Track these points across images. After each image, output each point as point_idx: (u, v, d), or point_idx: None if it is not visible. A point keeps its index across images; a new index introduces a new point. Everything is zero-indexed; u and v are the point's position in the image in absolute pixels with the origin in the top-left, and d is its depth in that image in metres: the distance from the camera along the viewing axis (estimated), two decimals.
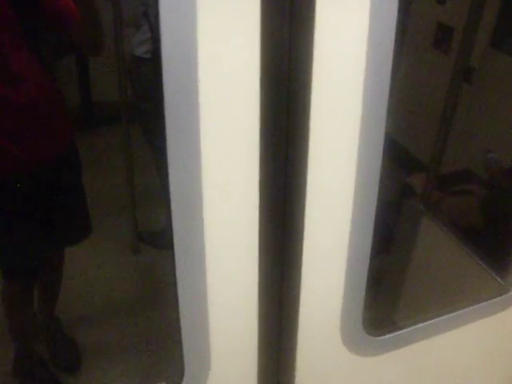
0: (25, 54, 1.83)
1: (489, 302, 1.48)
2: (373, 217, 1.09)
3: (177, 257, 1.00)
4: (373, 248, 1.17)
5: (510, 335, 1.60)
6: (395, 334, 1.32)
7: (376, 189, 1.06)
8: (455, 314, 1.42)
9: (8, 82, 1.80)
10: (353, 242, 1.10)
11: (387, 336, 1.31)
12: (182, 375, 1.13)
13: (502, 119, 2.06)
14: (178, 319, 1.07)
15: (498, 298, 1.49)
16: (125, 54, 2.61)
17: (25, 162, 1.93)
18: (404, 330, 1.34)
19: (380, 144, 1.02)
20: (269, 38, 0.86)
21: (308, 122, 0.95)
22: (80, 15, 1.83)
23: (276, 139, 0.94)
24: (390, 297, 1.85)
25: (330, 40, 0.89)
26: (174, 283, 1.03)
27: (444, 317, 1.40)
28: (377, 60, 0.94)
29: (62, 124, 2.06)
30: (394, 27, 0.93)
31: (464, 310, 1.43)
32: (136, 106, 2.66)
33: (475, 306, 1.45)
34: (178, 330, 1.09)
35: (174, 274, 1.02)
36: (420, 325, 1.36)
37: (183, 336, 1.09)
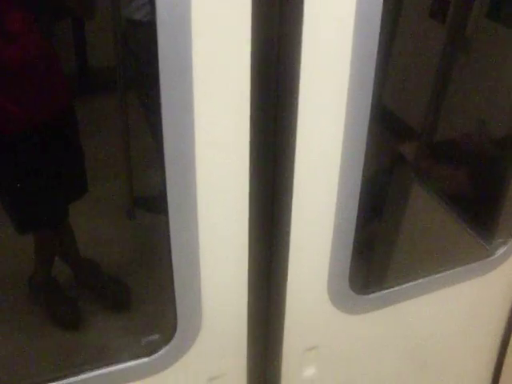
0: (19, 14, 1.86)
1: (474, 264, 1.53)
2: (359, 179, 1.13)
3: (171, 216, 1.04)
4: (363, 212, 1.21)
5: (493, 297, 1.65)
6: (382, 293, 1.36)
7: (362, 153, 1.10)
8: (441, 275, 1.46)
9: (2, 40, 1.83)
10: (340, 203, 1.14)
11: (374, 295, 1.35)
12: (174, 330, 1.18)
13: (496, 89, 2.08)
14: (172, 279, 1.12)
15: (483, 261, 1.54)
16: (122, 19, 2.61)
17: (23, 120, 1.97)
18: (390, 290, 1.38)
19: (367, 111, 1.05)
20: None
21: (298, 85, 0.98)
22: None
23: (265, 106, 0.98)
24: (377, 257, 1.90)
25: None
26: (168, 243, 1.07)
27: (430, 277, 1.44)
28: (364, 27, 0.97)
29: (58, 84, 2.09)
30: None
31: (450, 272, 1.48)
32: (133, 70, 2.67)
33: (461, 268, 1.50)
34: (172, 289, 1.13)
35: (168, 235, 1.06)
36: (406, 285, 1.41)
37: (177, 295, 1.14)
